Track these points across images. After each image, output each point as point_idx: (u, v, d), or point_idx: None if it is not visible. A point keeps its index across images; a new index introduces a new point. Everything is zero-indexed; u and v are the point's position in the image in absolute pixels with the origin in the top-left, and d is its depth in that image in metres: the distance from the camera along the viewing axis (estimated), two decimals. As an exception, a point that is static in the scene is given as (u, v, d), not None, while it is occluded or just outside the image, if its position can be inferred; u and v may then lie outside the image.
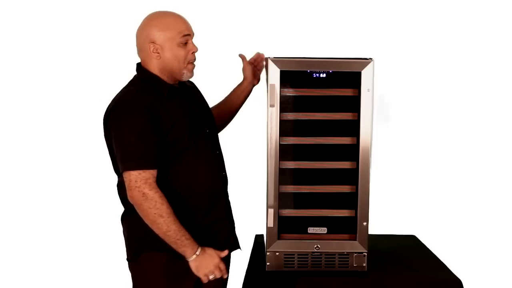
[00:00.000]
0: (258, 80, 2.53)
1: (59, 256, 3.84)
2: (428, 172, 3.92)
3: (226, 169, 2.29)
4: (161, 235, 2.00)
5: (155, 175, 2.01)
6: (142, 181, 1.97)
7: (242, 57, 2.49)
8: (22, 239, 3.87)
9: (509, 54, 3.88)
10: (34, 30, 3.84)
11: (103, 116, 2.13)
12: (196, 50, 2.14)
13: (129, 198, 2.02)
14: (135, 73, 2.20)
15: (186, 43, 2.12)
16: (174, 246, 2.03)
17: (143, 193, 1.97)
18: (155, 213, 1.98)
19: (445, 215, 3.90)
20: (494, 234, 3.88)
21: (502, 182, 3.93)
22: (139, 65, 2.19)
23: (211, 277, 2.07)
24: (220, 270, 2.08)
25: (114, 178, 2.21)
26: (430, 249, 2.77)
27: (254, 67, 2.51)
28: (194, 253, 2.04)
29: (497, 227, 3.89)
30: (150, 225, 2.00)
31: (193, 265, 2.06)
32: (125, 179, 2.01)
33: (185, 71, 2.13)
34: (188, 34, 2.12)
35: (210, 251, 2.08)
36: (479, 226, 3.87)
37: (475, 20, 3.86)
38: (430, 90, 3.91)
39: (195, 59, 2.15)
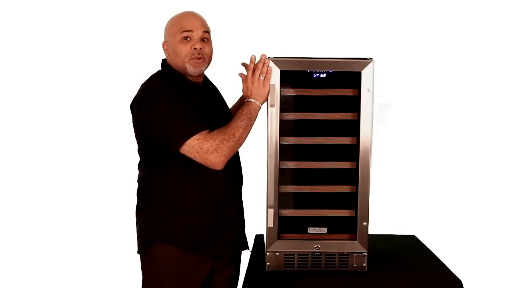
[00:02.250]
0: None
1: (70, 252, 3.87)
2: (428, 172, 3.93)
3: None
4: (246, 133, 2.11)
5: (208, 130, 2.04)
6: (204, 142, 1.99)
7: (245, 65, 2.48)
8: (27, 237, 3.89)
9: (509, 54, 3.89)
10: (40, 30, 3.86)
11: (130, 105, 2.17)
12: (199, 46, 2.14)
13: (214, 167, 2.03)
14: (141, 75, 2.23)
15: (188, 39, 2.14)
16: (253, 120, 2.15)
17: (215, 149, 1.99)
18: (233, 140, 2.04)
19: (445, 215, 3.90)
20: (494, 234, 3.88)
21: (502, 182, 3.93)
22: (164, 61, 2.25)
23: (268, 76, 2.22)
24: (256, 70, 2.22)
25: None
26: (430, 249, 2.77)
27: None
28: (252, 103, 2.18)
29: (497, 227, 3.89)
30: (241, 143, 2.10)
31: (261, 100, 2.21)
32: (189, 154, 2.02)
33: (187, 65, 2.16)
34: (189, 30, 2.14)
35: (245, 92, 2.22)
36: (479, 226, 3.88)
37: (475, 20, 3.87)
38: (430, 90, 3.91)
39: (198, 55, 2.15)
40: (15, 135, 3.90)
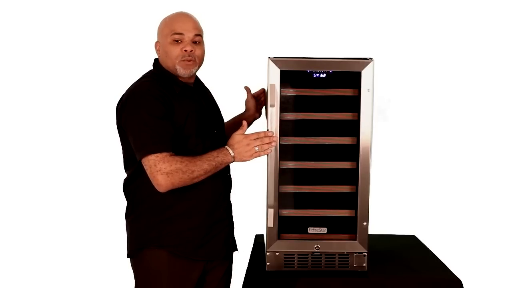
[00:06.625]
0: (260, 114, 2.55)
1: (64, 254, 3.86)
2: (428, 172, 3.93)
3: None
4: (205, 176, 2.06)
5: (172, 154, 2.03)
6: (160, 162, 1.99)
7: (247, 89, 2.52)
8: (24, 238, 3.88)
9: (509, 54, 3.89)
10: (37, 30, 3.85)
11: (116, 105, 2.17)
12: (189, 49, 2.15)
13: (157, 188, 2.02)
14: (135, 74, 2.22)
15: (179, 42, 2.14)
16: (218, 168, 2.10)
17: (166, 173, 1.99)
18: (188, 176, 2.02)
19: (445, 215, 3.90)
20: (494, 234, 3.88)
21: (502, 182, 3.93)
22: (156, 61, 2.25)
23: (261, 152, 2.14)
24: (260, 139, 2.14)
25: (116, 175, 2.21)
26: (430, 249, 2.77)
27: (257, 101, 2.53)
28: (230, 155, 2.10)
29: (497, 227, 3.89)
30: (195, 181, 2.05)
31: (238, 160, 2.12)
32: (145, 166, 2.03)
33: (177, 67, 2.16)
34: (180, 33, 2.14)
35: (235, 140, 2.12)
36: (479, 226, 3.88)
37: (475, 20, 3.87)
38: (430, 90, 3.91)
39: (189, 57, 2.15)
40: (12, 135, 3.89)
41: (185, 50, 2.14)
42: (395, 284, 2.34)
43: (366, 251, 2.37)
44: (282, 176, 2.34)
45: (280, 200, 2.33)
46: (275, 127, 2.26)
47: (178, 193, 2.08)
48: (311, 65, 2.30)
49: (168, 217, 2.13)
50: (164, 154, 2.01)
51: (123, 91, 2.16)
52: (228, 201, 2.32)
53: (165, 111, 2.06)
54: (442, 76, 3.91)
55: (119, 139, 2.19)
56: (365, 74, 2.27)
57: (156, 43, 2.23)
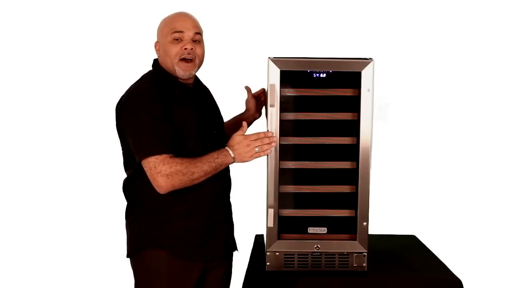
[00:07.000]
0: (260, 114, 2.56)
1: (64, 254, 3.86)
2: (428, 172, 3.93)
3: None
4: (205, 177, 2.06)
5: (171, 155, 2.03)
6: (160, 164, 1.99)
7: (247, 89, 2.52)
8: (25, 238, 3.89)
9: (509, 54, 3.89)
10: (38, 30, 3.86)
11: (115, 106, 2.17)
12: (189, 47, 2.14)
13: (158, 189, 2.02)
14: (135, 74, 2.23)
15: (179, 40, 2.14)
16: (219, 170, 2.10)
17: (166, 175, 1.99)
18: (188, 177, 2.02)
19: (445, 215, 3.90)
20: (494, 234, 3.89)
21: (501, 182, 3.93)
22: (155, 61, 2.25)
23: (261, 152, 2.14)
24: (259, 139, 2.14)
25: (116, 175, 2.21)
26: (430, 249, 2.77)
27: (257, 101, 2.53)
28: (230, 156, 2.10)
29: (497, 227, 3.89)
30: (195, 183, 2.05)
31: (239, 161, 2.13)
32: (145, 168, 2.03)
33: (176, 68, 2.15)
34: (180, 31, 2.14)
35: (235, 141, 2.12)
36: (479, 226, 3.88)
37: (475, 20, 3.87)
38: (430, 90, 3.91)
39: (188, 55, 2.14)
40: (12, 136, 3.89)
41: (185, 48, 2.14)
42: (395, 284, 2.34)
43: (366, 251, 2.37)
44: (282, 176, 2.34)
45: (280, 200, 2.33)
46: (275, 127, 2.26)
47: (178, 194, 2.08)
48: (311, 65, 2.30)
49: (168, 217, 2.13)
50: (164, 156, 2.01)
51: (123, 92, 2.16)
52: (228, 201, 2.32)
53: (164, 112, 2.05)
54: (442, 76, 3.91)
55: (118, 139, 2.19)
56: (365, 74, 2.27)
57: (156, 43, 2.23)
